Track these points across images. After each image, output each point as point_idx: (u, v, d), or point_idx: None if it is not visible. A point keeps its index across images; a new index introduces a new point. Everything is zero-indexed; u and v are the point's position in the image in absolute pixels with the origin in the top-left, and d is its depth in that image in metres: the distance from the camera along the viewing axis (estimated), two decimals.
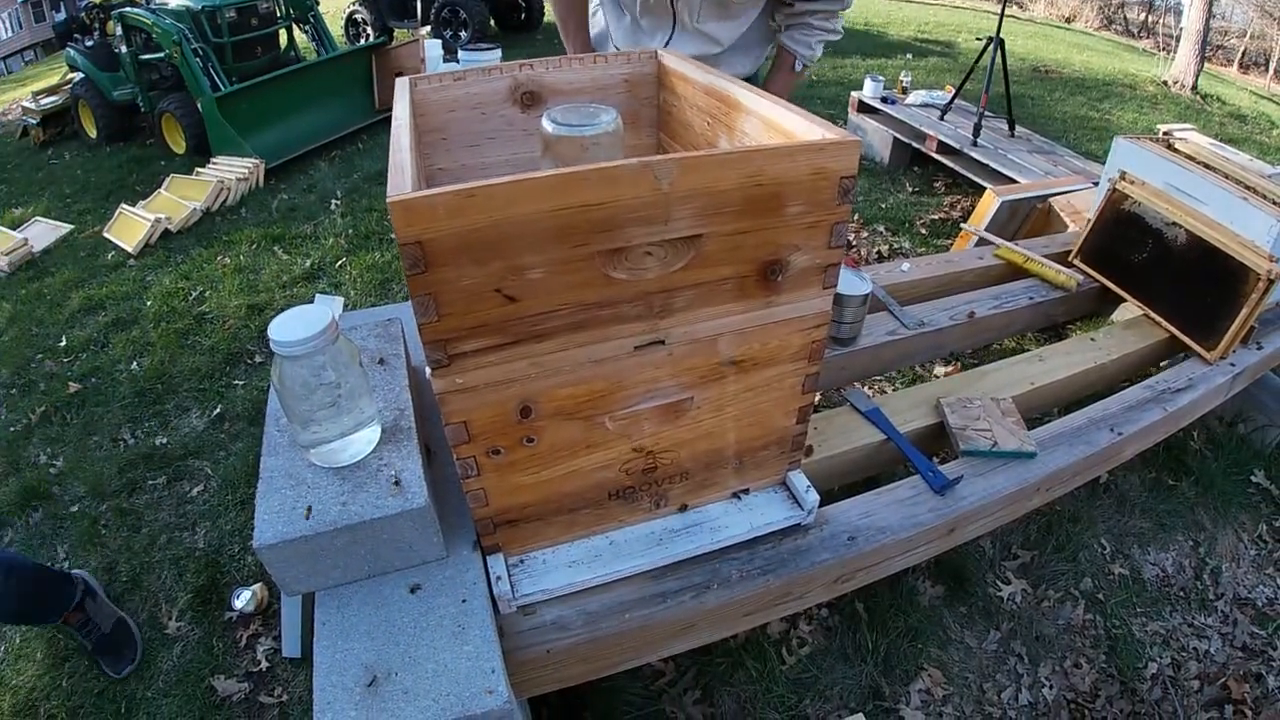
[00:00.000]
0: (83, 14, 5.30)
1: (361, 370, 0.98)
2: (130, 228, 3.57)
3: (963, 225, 2.23)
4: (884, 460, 1.42)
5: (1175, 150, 1.97)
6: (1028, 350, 2.39)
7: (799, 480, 1.16)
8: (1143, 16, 12.53)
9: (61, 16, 5.84)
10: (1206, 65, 6.16)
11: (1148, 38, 11.25)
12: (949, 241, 3.09)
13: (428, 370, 0.80)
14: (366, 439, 1.02)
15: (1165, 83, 6.09)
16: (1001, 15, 3.33)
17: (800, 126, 0.89)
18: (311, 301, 2.68)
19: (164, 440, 2.21)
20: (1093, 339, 1.70)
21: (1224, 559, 1.89)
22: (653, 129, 1.38)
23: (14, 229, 3.79)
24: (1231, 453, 2.07)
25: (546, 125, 1.01)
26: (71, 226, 3.81)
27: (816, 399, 2.18)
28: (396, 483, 0.97)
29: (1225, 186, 1.73)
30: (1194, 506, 1.97)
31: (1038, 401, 1.56)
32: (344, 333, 0.96)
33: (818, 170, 0.81)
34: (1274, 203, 1.70)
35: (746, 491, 1.16)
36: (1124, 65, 7.25)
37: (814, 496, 1.15)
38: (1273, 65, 9.31)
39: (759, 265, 0.86)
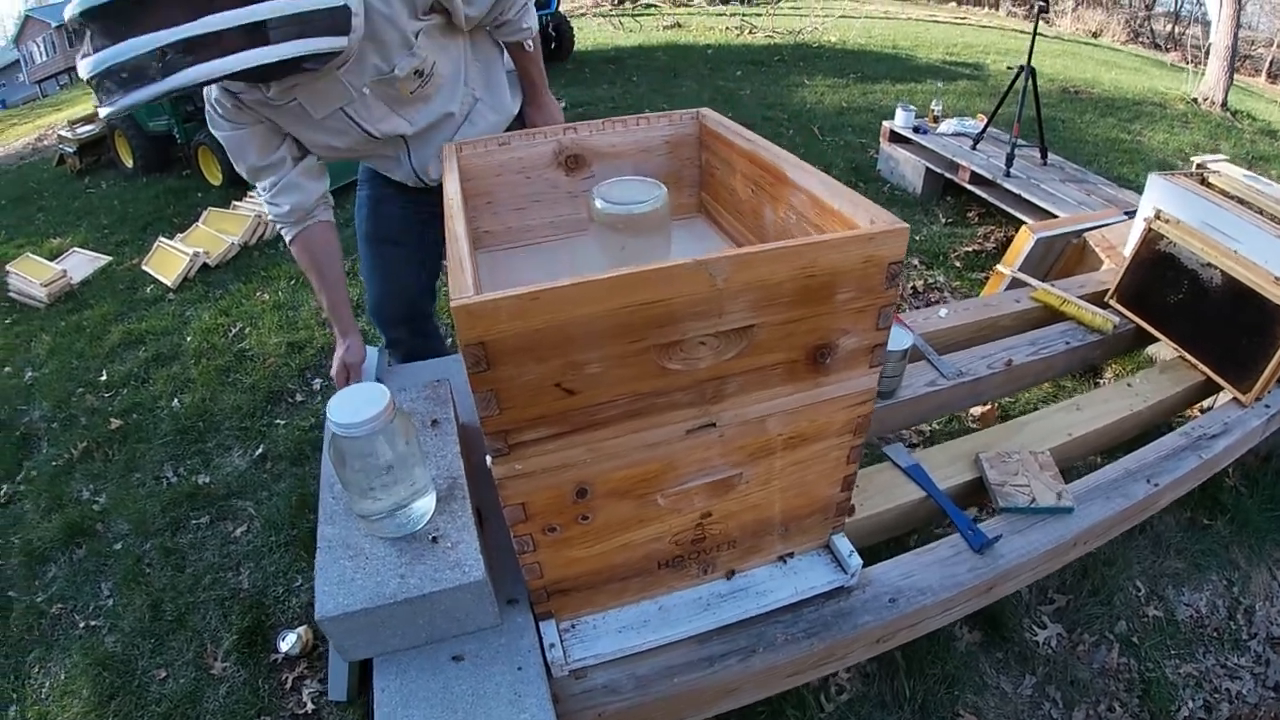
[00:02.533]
0: None
1: (417, 444, 1.01)
2: (168, 261, 3.63)
3: (997, 267, 2.23)
4: (924, 516, 1.43)
5: (1209, 185, 1.96)
6: (1064, 387, 2.39)
7: (843, 544, 1.17)
8: (1169, 28, 12.40)
9: None
10: (1235, 76, 6.08)
11: (1174, 49, 11.12)
12: (983, 275, 3.08)
13: (488, 459, 0.83)
14: (422, 509, 1.04)
15: (1195, 100, 6.03)
16: (1032, 44, 3.32)
17: (849, 209, 0.90)
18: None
19: (207, 479, 2.25)
20: (1129, 385, 1.70)
21: (1257, 597, 1.88)
22: (694, 189, 1.40)
23: (52, 259, 3.87)
24: (1267, 488, 2.05)
25: (597, 203, 1.04)
26: (110, 258, 3.87)
27: None
28: (453, 556, 1.00)
29: (1260, 225, 1.73)
30: (1228, 545, 1.95)
31: (1076, 451, 1.57)
32: (400, 407, 0.98)
33: (868, 258, 0.83)
34: None
35: (791, 555, 1.17)
36: (1153, 83, 7.17)
37: (857, 561, 1.16)
38: None
39: (808, 350, 0.88)
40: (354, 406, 0.93)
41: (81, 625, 1.88)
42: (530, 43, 1.57)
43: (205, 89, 1.26)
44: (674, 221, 1.24)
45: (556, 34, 7.66)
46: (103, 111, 1.02)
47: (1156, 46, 11.86)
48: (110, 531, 2.12)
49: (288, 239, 1.50)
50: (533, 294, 0.71)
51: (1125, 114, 5.71)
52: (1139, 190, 3.51)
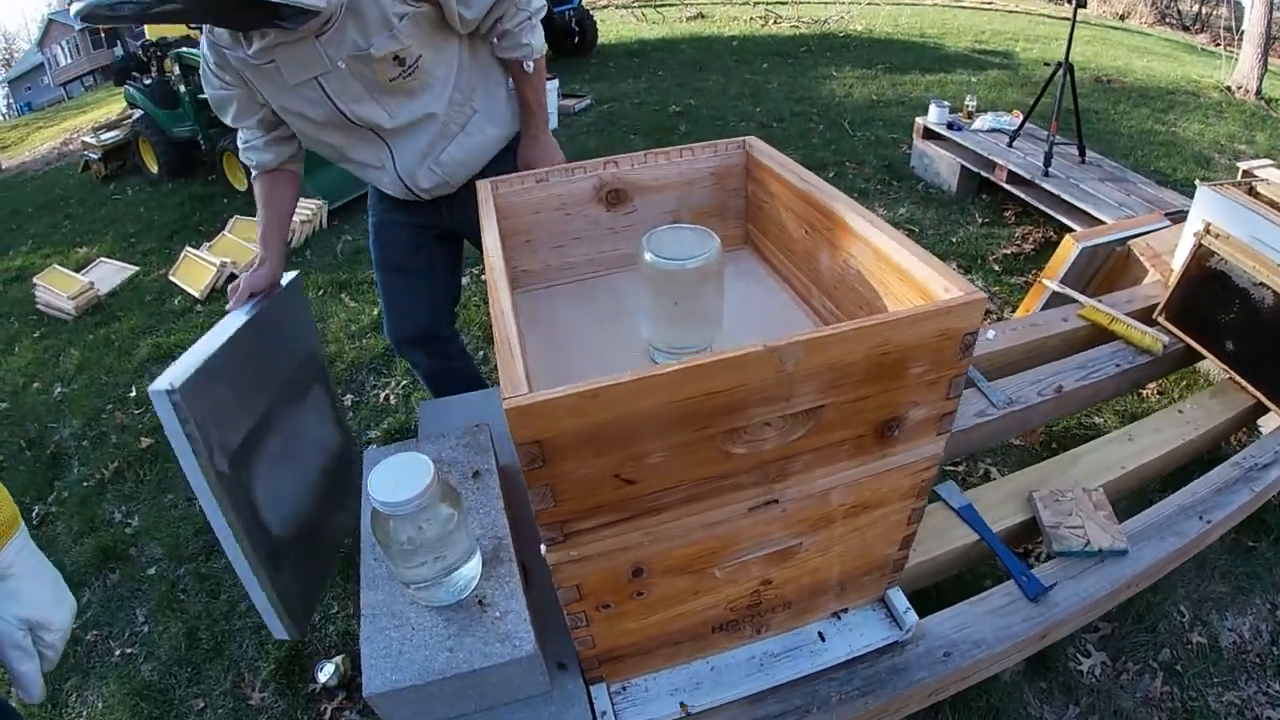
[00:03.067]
0: (139, 52, 5.37)
1: (462, 510, 0.98)
2: (196, 272, 3.60)
3: (1039, 279, 2.16)
4: (975, 558, 1.39)
5: (1257, 194, 1.89)
6: (1106, 402, 2.33)
7: (899, 600, 1.14)
8: (1196, 9, 12.03)
9: (120, 53, 5.95)
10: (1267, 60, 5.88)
11: (1202, 30, 10.79)
12: (1022, 280, 3.00)
13: (542, 547, 0.79)
14: (468, 576, 1.01)
15: (1229, 89, 5.85)
16: (1070, 40, 3.21)
17: (919, 271, 0.85)
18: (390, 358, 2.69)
19: None
20: (1180, 411, 1.64)
21: None
22: (739, 220, 1.36)
23: (79, 270, 3.87)
24: None
25: (647, 256, 0.99)
26: (137, 268, 3.86)
27: None
28: (502, 627, 0.97)
29: None
30: (1272, 567, 1.90)
31: (1129, 484, 1.52)
32: (443, 479, 0.95)
33: (943, 331, 0.78)
34: None
35: (845, 610, 1.14)
36: (1185, 70, 6.96)
37: (913, 617, 1.12)
38: None
39: (876, 425, 0.84)
40: (396, 481, 0.90)
41: (117, 653, 1.88)
42: (531, 64, 1.51)
43: (201, 46, 1.42)
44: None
45: (580, 28, 7.53)
46: (74, 9, 1.03)
47: (1185, 29, 11.51)
48: (144, 556, 2.12)
49: (251, 176, 1.63)
50: (593, 391, 0.67)
51: (1159, 104, 5.56)
52: (1178, 188, 3.43)
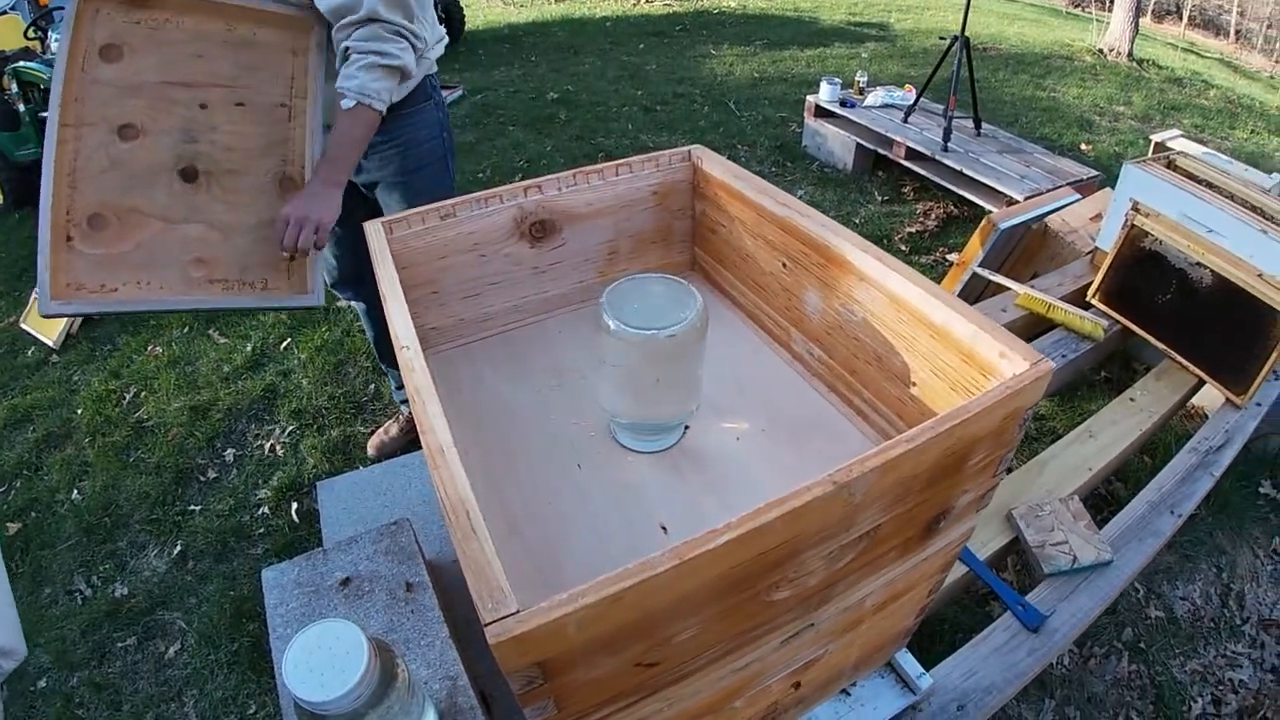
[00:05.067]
0: None
1: (407, 676, 0.76)
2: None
3: (956, 260, 2.11)
4: (964, 586, 1.31)
5: (1176, 168, 1.89)
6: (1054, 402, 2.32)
7: (911, 666, 1.02)
8: None
9: None
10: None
11: None
12: (930, 258, 2.98)
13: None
14: None
15: (1101, 51, 6.12)
16: (966, 14, 3.18)
17: (960, 325, 0.70)
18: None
19: (124, 590, 1.87)
20: (1132, 400, 1.62)
21: (1245, 580, 1.89)
22: (685, 243, 1.17)
23: None
24: (1238, 466, 2.07)
25: (609, 322, 0.79)
26: None
27: None
28: None
29: (1241, 217, 1.66)
30: (1213, 531, 1.96)
31: (1096, 482, 1.49)
32: (378, 641, 0.73)
33: (1010, 414, 0.64)
34: None
35: (854, 684, 1.01)
36: (1056, 35, 7.23)
37: (927, 681, 1.02)
38: (1186, 13, 9.57)
39: (926, 524, 0.69)
40: (320, 667, 0.67)
41: None
42: (351, 101, 1.25)
43: None
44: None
45: (446, 14, 7.00)
46: None
47: None
48: (31, 665, 1.74)
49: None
50: (615, 594, 0.47)
51: (1036, 70, 5.74)
52: (1073, 156, 3.52)
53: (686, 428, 0.90)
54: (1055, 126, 4.37)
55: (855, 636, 0.82)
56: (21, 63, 4.06)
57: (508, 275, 1.07)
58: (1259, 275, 1.56)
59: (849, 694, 1.01)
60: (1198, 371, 1.66)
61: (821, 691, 0.94)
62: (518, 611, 0.46)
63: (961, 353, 0.71)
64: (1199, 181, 1.81)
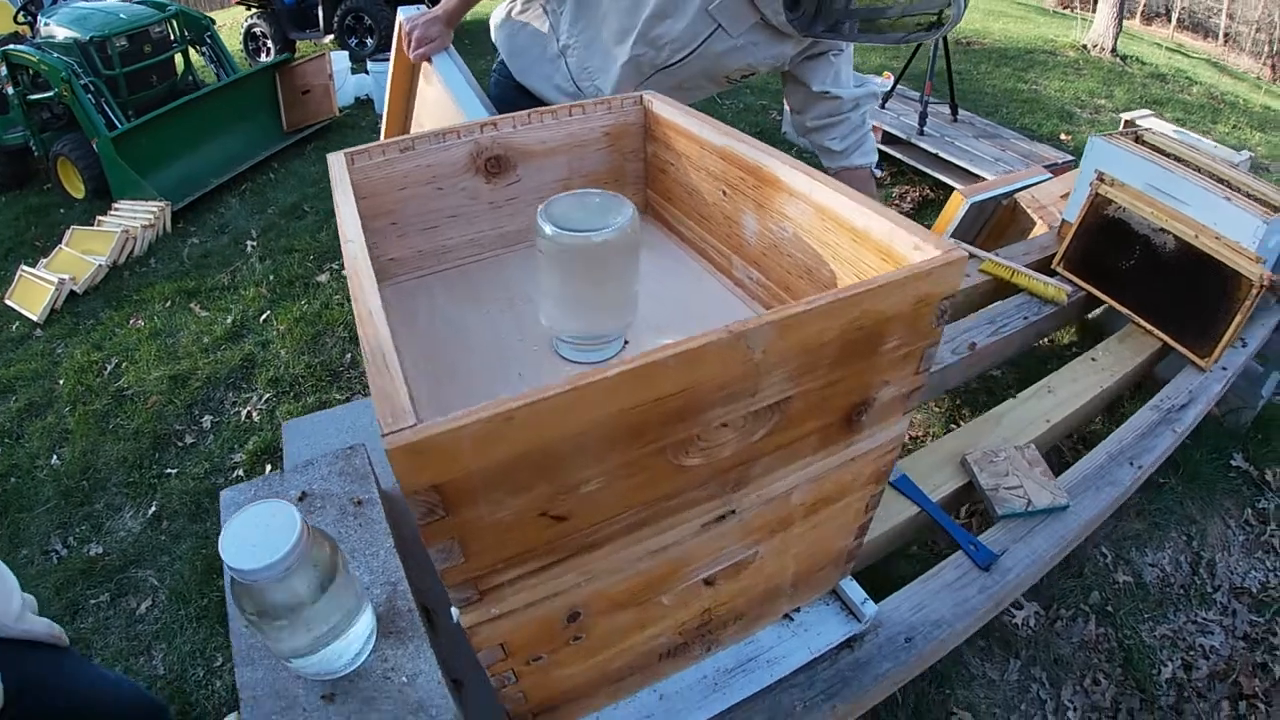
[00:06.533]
0: None
1: (343, 564, 0.78)
2: (33, 293, 3.14)
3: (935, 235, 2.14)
4: (917, 529, 1.32)
5: (1145, 144, 1.92)
6: (1013, 356, 2.34)
7: (855, 591, 1.03)
8: None
9: None
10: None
11: None
12: None
13: (454, 611, 0.62)
14: (361, 636, 0.82)
15: (1085, 47, 6.18)
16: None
17: (878, 225, 0.73)
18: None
19: (99, 549, 1.91)
20: (1093, 359, 1.64)
21: (1216, 549, 1.91)
22: (639, 185, 1.20)
23: None
24: (1210, 438, 2.09)
25: (545, 228, 0.81)
26: None
27: None
28: (412, 695, 0.78)
29: (1205, 185, 1.69)
30: (1183, 500, 1.98)
31: (1055, 436, 1.50)
32: (316, 530, 0.75)
33: (922, 298, 0.66)
34: (1253, 199, 1.67)
35: (797, 609, 1.03)
36: (1041, 30, 7.33)
37: (872, 608, 1.03)
38: (1175, 15, 9.65)
39: (845, 412, 0.71)
40: (254, 541, 0.69)
41: None
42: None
43: None
44: None
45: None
46: None
47: None
48: None
49: None
50: (506, 413, 0.49)
51: (1019, 63, 5.82)
52: (1050, 142, 3.55)
53: (626, 342, 0.92)
54: (1035, 117, 4.42)
55: (788, 542, 0.84)
56: (11, 46, 4.13)
57: (464, 209, 1.09)
58: (1217, 238, 1.59)
59: (792, 619, 1.02)
60: (1161, 335, 1.68)
61: (761, 609, 0.95)
62: (415, 424, 0.48)
63: (880, 251, 0.73)
64: (1166, 155, 1.83)
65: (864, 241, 0.75)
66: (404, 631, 0.84)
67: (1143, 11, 9.55)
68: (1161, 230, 1.65)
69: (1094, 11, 6.58)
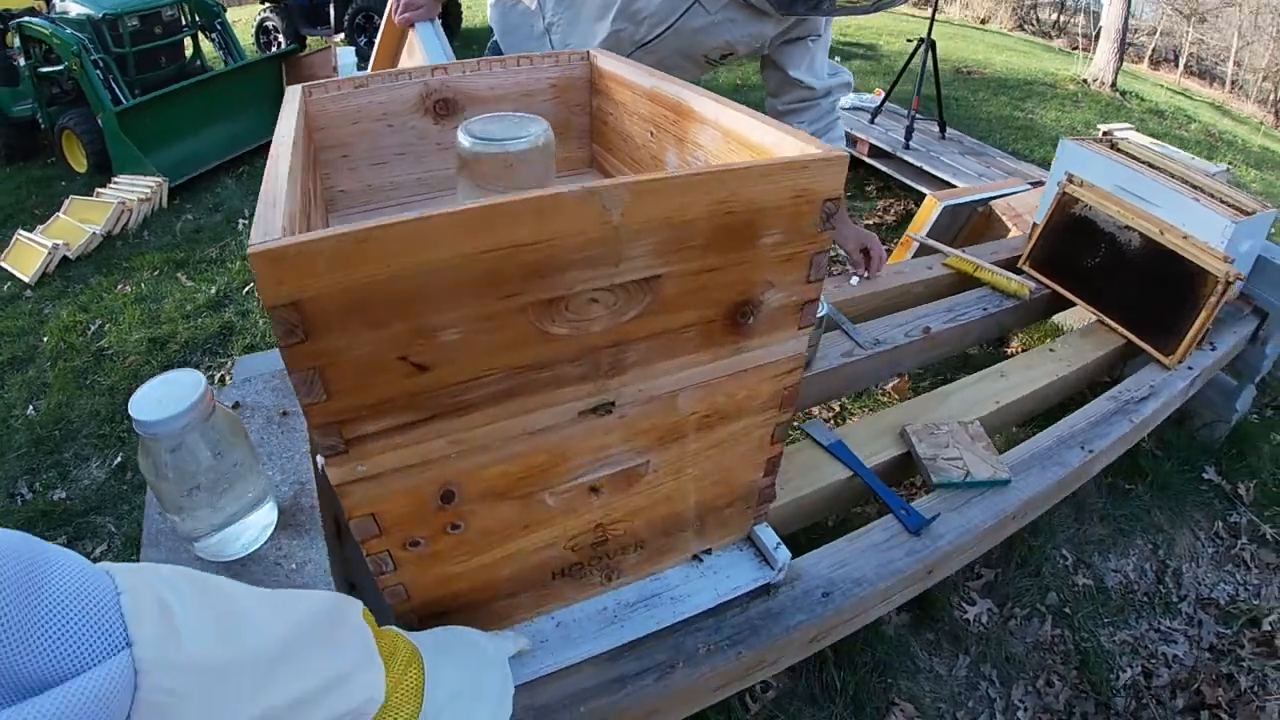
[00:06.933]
0: None
1: (247, 445, 0.80)
2: (26, 256, 3.29)
3: (906, 233, 2.16)
4: (851, 498, 1.31)
5: (1119, 150, 1.93)
6: (972, 356, 2.35)
7: (768, 536, 1.03)
8: (1055, 17, 12.92)
9: None
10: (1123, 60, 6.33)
11: (1060, 37, 11.61)
12: (887, 247, 3.04)
13: (319, 460, 0.63)
14: (260, 525, 0.84)
15: (1085, 81, 6.26)
16: (933, 17, 3.30)
17: (772, 138, 0.75)
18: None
19: (63, 494, 1.95)
20: (1051, 349, 1.64)
21: (1183, 559, 1.87)
22: (584, 139, 1.23)
23: None
24: (1181, 451, 2.06)
25: (463, 140, 0.85)
26: None
27: None
28: (299, 580, 0.80)
29: (1175, 187, 1.69)
30: (1150, 509, 1.95)
31: (1003, 420, 1.49)
32: (221, 401, 0.77)
33: (800, 192, 0.68)
34: (1223, 202, 1.67)
35: (708, 552, 1.02)
36: (1043, 64, 7.44)
37: (785, 554, 1.02)
38: (1182, 61, 9.74)
39: (727, 308, 0.72)
40: (160, 399, 0.73)
41: None
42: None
43: None
44: (563, 177, 1.07)
45: (444, 11, 7.30)
46: None
47: (1044, 35, 12.33)
48: None
49: None
50: (360, 233, 0.51)
51: (1017, 93, 5.89)
52: (1038, 164, 3.57)
53: None
54: (1029, 143, 4.46)
55: (683, 460, 0.84)
56: (26, 18, 4.28)
57: (412, 148, 1.13)
58: (1185, 237, 1.59)
59: (702, 560, 1.02)
60: (1125, 333, 1.67)
61: (664, 542, 0.94)
62: (279, 238, 0.50)
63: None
64: (1139, 161, 1.84)
65: (761, 154, 0.77)
66: (302, 525, 0.86)
67: (1151, 56, 9.63)
68: (1127, 228, 1.65)
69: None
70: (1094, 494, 1.97)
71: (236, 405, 1.03)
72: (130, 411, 0.71)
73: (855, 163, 3.60)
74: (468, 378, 0.63)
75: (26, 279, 3.09)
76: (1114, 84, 6.10)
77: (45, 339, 2.62)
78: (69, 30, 4.21)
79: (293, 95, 1.00)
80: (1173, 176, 1.78)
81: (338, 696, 0.54)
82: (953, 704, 1.57)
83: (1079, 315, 1.79)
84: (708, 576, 1.00)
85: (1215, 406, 2.04)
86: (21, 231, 3.43)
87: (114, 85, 4.21)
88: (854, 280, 1.74)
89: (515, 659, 0.87)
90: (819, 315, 1.41)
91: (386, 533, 0.70)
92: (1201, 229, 1.61)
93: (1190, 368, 1.64)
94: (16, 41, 4.40)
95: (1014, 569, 1.78)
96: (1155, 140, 1.98)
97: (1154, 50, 9.96)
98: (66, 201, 3.72)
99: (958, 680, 1.61)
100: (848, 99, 3.70)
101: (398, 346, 0.58)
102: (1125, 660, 1.65)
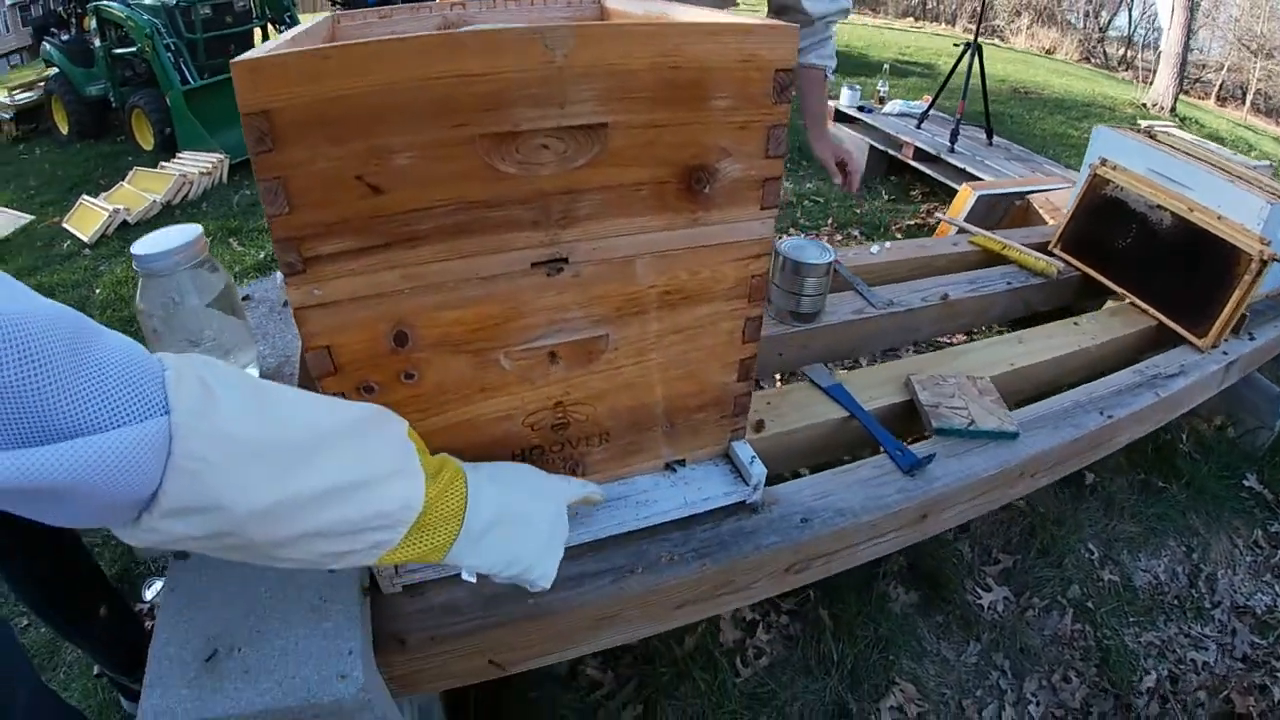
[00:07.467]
0: (59, 9, 5.30)
1: (244, 324, 0.86)
2: (88, 218, 3.58)
3: (941, 217, 2.13)
4: (847, 440, 1.29)
5: (1154, 138, 1.89)
6: (1000, 332, 2.27)
7: (744, 450, 1.02)
8: (1122, 51, 12.61)
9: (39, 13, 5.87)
10: (1184, 97, 6.16)
11: (1126, 70, 11.31)
12: (916, 221, 3.03)
13: (278, 276, 0.67)
14: None
15: (1144, 105, 6.10)
16: (980, 18, 3.29)
17: (729, 19, 0.77)
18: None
19: None
20: (1076, 323, 1.59)
21: (1219, 565, 1.76)
22: None
23: None
24: (1222, 456, 1.95)
25: None
26: (32, 217, 3.84)
27: (777, 381, 2.04)
28: None
29: (1210, 171, 1.64)
30: (1185, 511, 1.85)
31: (1018, 384, 1.44)
32: (217, 265, 0.83)
33: (748, 57, 0.70)
34: (1261, 187, 1.61)
35: (682, 463, 1.02)
36: (1103, 89, 7.31)
37: (760, 469, 1.01)
38: (1249, 97, 9.36)
39: (681, 170, 0.74)
40: (158, 243, 0.80)
41: None
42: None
43: None
44: None
45: None
46: None
47: (1109, 67, 12.00)
48: None
49: None
50: (325, 51, 0.57)
51: (1074, 113, 5.78)
52: None
53: None
54: (1080, 159, 4.35)
55: (645, 341, 0.85)
56: (104, 2, 4.62)
57: None
58: (1219, 218, 1.54)
59: (675, 470, 1.02)
60: (1156, 313, 1.61)
61: (631, 439, 0.94)
62: (258, 52, 0.56)
63: None
64: (1176, 150, 1.79)
65: None
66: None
67: (1218, 92, 9.26)
68: (1159, 208, 1.61)
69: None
70: (1124, 489, 1.88)
71: (246, 298, 1.09)
72: (132, 249, 0.77)
73: (900, 166, 3.58)
74: (420, 206, 0.67)
75: (86, 239, 3.36)
76: (1173, 109, 5.93)
77: (97, 290, 2.84)
78: (144, 14, 4.53)
79: (323, 26, 1.08)
80: (1208, 163, 1.72)
81: (369, 496, 0.57)
82: (959, 691, 1.50)
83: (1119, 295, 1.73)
84: (679, 486, 1.00)
85: (1259, 412, 1.93)
86: (86, 197, 3.73)
87: (184, 68, 4.51)
88: (874, 249, 1.73)
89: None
90: (827, 262, 1.40)
91: (342, 371, 0.73)
92: (1237, 211, 1.55)
93: (1225, 353, 1.56)
94: (93, 24, 4.77)
95: (1034, 556, 1.70)
96: (1197, 138, 1.91)
97: (1221, 86, 9.59)
98: (131, 172, 4.02)
99: (966, 667, 1.54)
100: (896, 104, 3.70)
101: (355, 164, 0.63)
102: (1150, 663, 1.56)
